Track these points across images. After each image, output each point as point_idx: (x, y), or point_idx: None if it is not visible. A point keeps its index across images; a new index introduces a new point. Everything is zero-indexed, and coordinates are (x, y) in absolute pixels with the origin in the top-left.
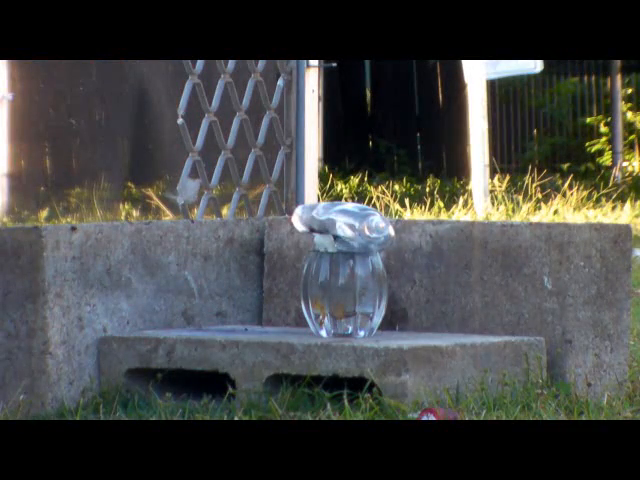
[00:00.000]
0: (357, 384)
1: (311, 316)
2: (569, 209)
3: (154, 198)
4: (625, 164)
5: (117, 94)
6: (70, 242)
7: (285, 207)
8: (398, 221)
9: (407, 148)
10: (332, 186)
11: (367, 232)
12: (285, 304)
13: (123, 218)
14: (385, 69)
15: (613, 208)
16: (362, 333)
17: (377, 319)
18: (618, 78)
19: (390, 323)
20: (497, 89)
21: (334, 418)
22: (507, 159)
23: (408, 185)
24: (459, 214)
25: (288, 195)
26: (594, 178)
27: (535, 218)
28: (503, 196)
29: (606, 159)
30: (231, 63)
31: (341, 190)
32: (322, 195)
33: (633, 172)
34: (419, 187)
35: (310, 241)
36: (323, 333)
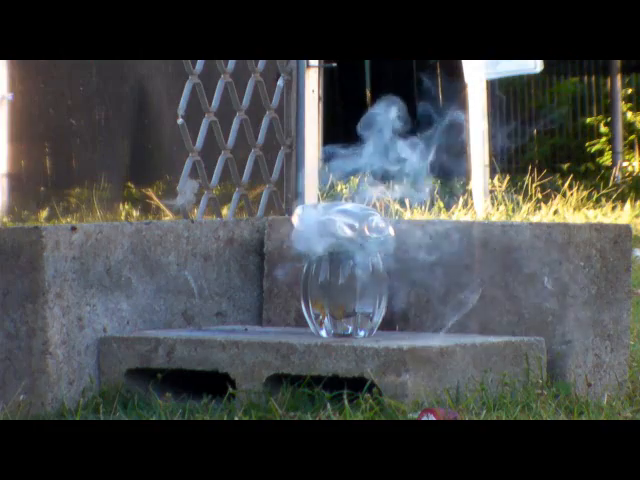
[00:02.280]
0: (357, 384)
1: (311, 316)
2: (569, 209)
3: (154, 198)
4: (625, 164)
5: (117, 94)
6: (70, 242)
7: (285, 207)
8: (398, 221)
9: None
10: (332, 186)
11: (367, 232)
12: (285, 304)
13: (123, 218)
14: (385, 69)
15: (613, 208)
16: (362, 333)
17: (377, 319)
18: (618, 78)
19: (390, 323)
20: (497, 89)
21: (334, 418)
22: (507, 159)
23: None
24: (459, 214)
25: (288, 195)
26: (594, 178)
27: (535, 218)
28: (503, 196)
29: (606, 159)
30: (231, 63)
31: (341, 190)
32: (322, 195)
33: (633, 172)
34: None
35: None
36: (323, 333)
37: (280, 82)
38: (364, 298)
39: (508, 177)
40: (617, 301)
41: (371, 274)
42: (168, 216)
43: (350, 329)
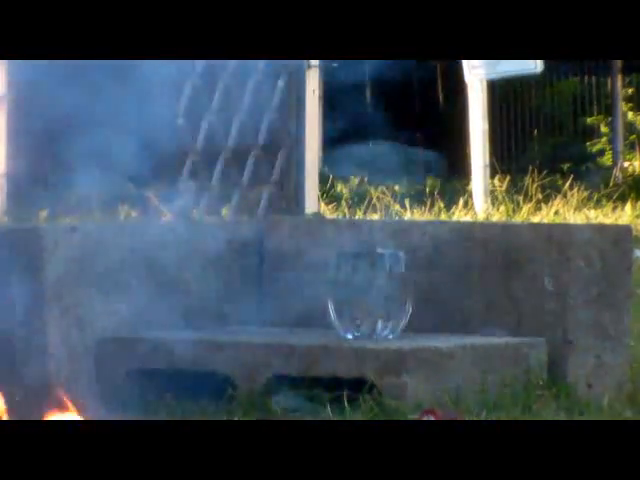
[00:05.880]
0: (357, 385)
1: (344, 318)
2: (570, 209)
3: (154, 198)
4: (626, 164)
5: (117, 94)
6: (70, 242)
7: (285, 207)
8: (398, 221)
9: (407, 148)
10: (332, 186)
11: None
12: (285, 304)
13: (123, 218)
14: (385, 69)
15: (614, 208)
16: (391, 335)
17: (405, 321)
18: (619, 78)
19: None
20: (497, 89)
21: (334, 419)
22: (507, 159)
23: (408, 185)
24: (459, 215)
25: (288, 195)
26: (595, 178)
27: (536, 219)
28: (503, 196)
29: (607, 159)
30: (232, 63)
31: (341, 190)
32: (322, 195)
33: (634, 172)
34: (419, 187)
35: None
36: (349, 335)
37: (280, 82)
38: (399, 300)
39: (508, 177)
40: (617, 302)
41: (405, 275)
42: (168, 216)
43: (382, 331)
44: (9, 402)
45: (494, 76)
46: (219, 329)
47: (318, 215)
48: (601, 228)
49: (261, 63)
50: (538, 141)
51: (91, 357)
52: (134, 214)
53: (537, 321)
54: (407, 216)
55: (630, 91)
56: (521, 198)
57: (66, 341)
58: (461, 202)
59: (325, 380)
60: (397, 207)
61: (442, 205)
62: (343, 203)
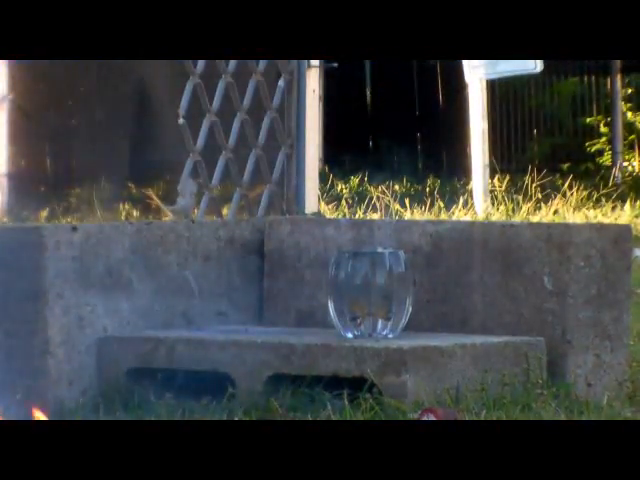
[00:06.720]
0: (357, 384)
1: (345, 317)
2: (569, 209)
3: (154, 198)
4: (625, 164)
5: (117, 94)
6: (71, 242)
7: (285, 207)
8: (398, 221)
9: (407, 148)
10: (332, 186)
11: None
12: (285, 304)
13: (123, 218)
14: (385, 69)
15: (613, 208)
16: (391, 334)
17: (405, 320)
18: (618, 78)
19: None
20: (497, 89)
21: (334, 418)
22: (507, 159)
23: (408, 185)
24: (459, 214)
25: (288, 195)
26: (594, 178)
27: (535, 218)
28: (503, 196)
29: (606, 159)
30: (232, 63)
31: (341, 190)
32: (322, 195)
33: (633, 172)
34: (419, 187)
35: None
36: (349, 334)
37: (281, 82)
38: (399, 298)
39: (508, 177)
40: (617, 301)
41: (401, 275)
42: (168, 216)
43: (383, 330)
44: (9, 402)
45: (494, 76)
46: (219, 329)
47: (318, 215)
48: (601, 228)
49: (262, 63)
50: (538, 141)
51: (92, 356)
52: (134, 214)
53: (537, 321)
54: (407, 216)
55: (630, 91)
56: (521, 198)
57: (67, 341)
58: (461, 202)
59: (325, 380)
60: (397, 207)
61: (442, 205)
62: (343, 203)
